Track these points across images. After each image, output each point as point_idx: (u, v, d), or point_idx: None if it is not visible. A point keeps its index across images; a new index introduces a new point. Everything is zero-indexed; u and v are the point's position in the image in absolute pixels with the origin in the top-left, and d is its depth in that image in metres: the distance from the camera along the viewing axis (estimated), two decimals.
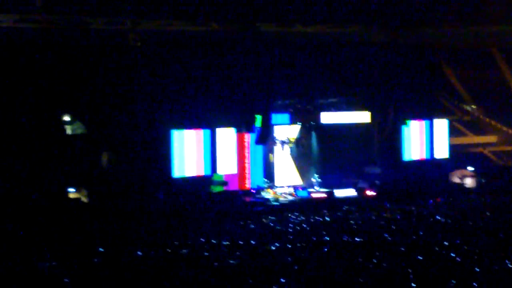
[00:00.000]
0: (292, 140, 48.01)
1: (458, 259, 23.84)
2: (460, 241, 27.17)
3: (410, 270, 22.10)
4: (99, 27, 42.60)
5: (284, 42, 46.91)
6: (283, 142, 47.49)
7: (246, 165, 44.82)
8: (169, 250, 27.08)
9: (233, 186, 43.74)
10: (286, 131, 47.92)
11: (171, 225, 34.13)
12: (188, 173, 41.61)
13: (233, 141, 43.56)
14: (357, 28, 50.68)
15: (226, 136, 43.24)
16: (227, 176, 43.45)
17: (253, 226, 34.30)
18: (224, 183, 43.17)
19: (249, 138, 44.89)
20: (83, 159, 39.48)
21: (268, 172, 46.70)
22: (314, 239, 28.72)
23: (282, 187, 46.14)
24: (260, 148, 45.84)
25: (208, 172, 42.44)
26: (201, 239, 29.36)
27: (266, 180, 46.26)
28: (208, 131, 42.47)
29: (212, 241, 28.85)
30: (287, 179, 47.65)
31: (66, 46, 40.39)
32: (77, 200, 39.24)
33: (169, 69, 41.90)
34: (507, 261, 22.81)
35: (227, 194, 42.73)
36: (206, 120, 42.43)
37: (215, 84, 42.95)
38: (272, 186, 45.95)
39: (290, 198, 44.45)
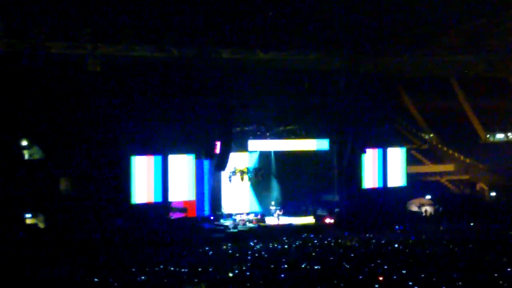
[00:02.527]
0: (251, 168, 47.98)
1: (415, 287, 23.96)
2: (417, 269, 27.31)
3: None
4: (59, 52, 42.40)
5: (245, 69, 47.02)
6: (241, 170, 47.40)
7: (205, 191, 44.69)
8: (128, 277, 26.90)
9: (192, 213, 43.58)
10: (243, 158, 47.88)
11: (129, 251, 33.87)
12: (146, 199, 41.29)
13: (192, 167, 43.30)
14: (318, 55, 50.98)
15: (185, 162, 42.97)
16: (186, 202, 43.26)
17: (212, 252, 34.18)
18: (183, 210, 42.99)
19: (208, 164, 44.78)
20: (41, 184, 39.09)
21: (217, 200, 46.50)
22: (272, 266, 28.69)
23: (241, 214, 45.99)
24: (215, 175, 45.84)
25: (166, 199, 42.11)
26: (160, 265, 29.21)
27: (223, 207, 46.28)
28: (166, 157, 42.15)
29: (170, 268, 28.72)
30: (239, 206, 47.58)
31: (25, 70, 40.09)
32: (33, 225, 38.82)
33: (128, 94, 41.75)
34: None
35: (186, 220, 42.55)
36: (164, 146, 42.19)
37: (174, 110, 42.85)
38: (230, 214, 45.82)
39: (250, 225, 44.36)
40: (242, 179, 47.19)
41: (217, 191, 46.23)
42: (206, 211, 44.82)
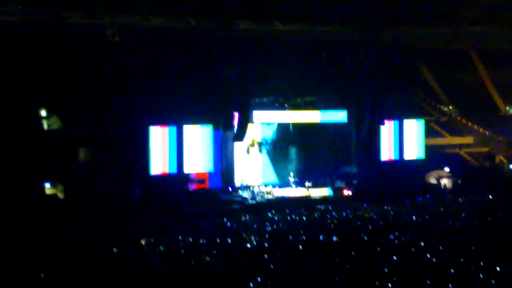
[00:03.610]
0: (269, 140, 47.93)
1: (433, 259, 23.92)
2: (436, 241, 27.25)
3: (386, 270, 22.17)
4: (76, 21, 42.31)
5: (263, 40, 46.81)
6: (259, 142, 47.36)
7: (223, 163, 44.67)
8: (146, 248, 26.98)
9: (211, 184, 43.61)
10: (262, 130, 47.82)
11: (148, 223, 33.95)
12: (162, 170, 41.31)
13: (209, 138, 43.22)
14: (336, 27, 50.68)
15: (201, 133, 42.89)
16: (202, 174, 43.27)
17: (230, 224, 34.22)
18: (201, 181, 43.05)
19: (226, 135, 44.71)
20: (60, 154, 39.18)
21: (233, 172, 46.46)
22: (291, 238, 28.70)
23: (259, 185, 45.99)
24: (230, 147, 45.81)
25: (185, 170, 42.12)
26: (178, 236, 29.26)
27: (242, 179, 46.27)
28: (181, 128, 42.07)
29: (189, 239, 28.76)
30: (257, 178, 47.57)
31: (43, 40, 39.99)
32: (53, 195, 38.98)
33: (146, 65, 41.66)
34: (481, 262, 22.93)
35: (204, 192, 42.61)
36: (182, 117, 42.14)
37: (192, 81, 42.74)
38: (248, 186, 45.81)
39: (268, 196, 44.39)
40: (260, 150, 47.17)
41: (232, 162, 46.12)
42: (223, 183, 44.80)
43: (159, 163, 41.00)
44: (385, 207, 39.57)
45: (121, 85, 40.51)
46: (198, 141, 42.52)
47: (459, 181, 49.34)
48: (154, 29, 44.86)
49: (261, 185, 45.84)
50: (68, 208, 36.72)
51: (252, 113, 44.76)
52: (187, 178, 42.46)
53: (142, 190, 39.77)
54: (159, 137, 41.09)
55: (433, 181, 49.44)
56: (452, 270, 22.07)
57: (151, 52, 42.22)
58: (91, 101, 39.67)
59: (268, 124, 47.80)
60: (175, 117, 41.72)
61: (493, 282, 20.88)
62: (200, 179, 43.03)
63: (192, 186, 42.70)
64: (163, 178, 41.00)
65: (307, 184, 45.76)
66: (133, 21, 44.22)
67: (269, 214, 37.39)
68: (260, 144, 47.22)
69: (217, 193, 43.39)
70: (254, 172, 47.53)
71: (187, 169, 42.04)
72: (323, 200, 43.81)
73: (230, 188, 45.03)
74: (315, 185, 46.14)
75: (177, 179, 41.76)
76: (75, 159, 39.78)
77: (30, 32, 40.16)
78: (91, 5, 42.87)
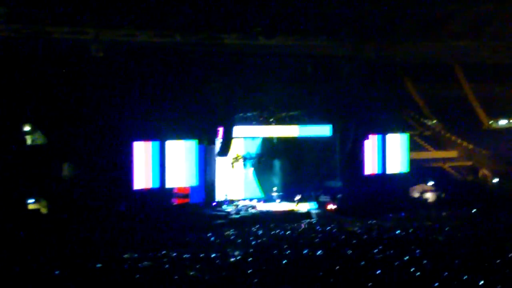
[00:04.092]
0: (253, 154, 47.98)
1: (417, 273, 23.96)
2: (420, 255, 27.31)
3: (369, 285, 22.19)
4: (61, 37, 42.28)
5: (248, 55, 46.92)
6: (243, 156, 47.42)
7: (207, 177, 44.67)
8: (130, 263, 26.91)
9: (194, 199, 43.61)
10: (246, 144, 47.88)
11: (131, 238, 33.88)
12: (149, 185, 41.31)
13: (195, 153, 43.26)
14: (320, 41, 50.84)
15: (187, 148, 42.94)
16: (189, 188, 43.28)
17: (214, 239, 34.21)
18: (185, 196, 43.04)
19: (211, 150, 44.74)
20: (43, 170, 39.11)
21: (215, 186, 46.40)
22: (275, 252, 28.70)
23: (243, 200, 46.03)
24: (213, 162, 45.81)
25: (170, 184, 42.12)
26: (162, 251, 29.22)
27: (226, 194, 46.27)
28: (169, 143, 42.17)
29: (173, 254, 28.73)
30: (241, 192, 47.60)
31: (27, 55, 39.98)
32: (36, 211, 38.86)
33: (131, 80, 41.70)
34: (465, 276, 22.98)
35: (187, 206, 42.61)
36: (167, 132, 42.19)
37: (177, 96, 42.81)
38: (232, 200, 45.84)
39: (252, 211, 44.43)
40: (244, 165, 47.23)
41: (216, 177, 46.09)
42: (207, 197, 44.79)
43: (143, 177, 40.98)
44: (370, 221, 39.66)
45: (105, 100, 40.52)
46: (182, 156, 42.52)
47: (443, 195, 49.49)
48: (139, 44, 44.89)
49: (245, 200, 45.87)
50: (52, 223, 36.57)
51: (236, 128, 44.79)
52: (170, 192, 42.42)
53: (126, 205, 39.71)
54: (142, 152, 41.07)
55: (417, 195, 49.58)
56: (436, 284, 22.11)
57: (136, 67, 42.26)
58: (75, 116, 39.65)
59: (253, 138, 47.87)
60: (159, 132, 41.72)
61: None
62: (183, 193, 43.02)
63: (175, 201, 42.67)
64: (146, 192, 40.96)
65: (296, 198, 45.83)
66: (118, 37, 44.20)
67: (253, 229, 37.41)
68: (244, 159, 47.27)
69: (200, 207, 43.38)
70: (238, 186, 47.54)
71: (170, 184, 41.99)
72: (308, 214, 43.85)
73: (213, 203, 45.03)
74: (299, 199, 46.19)
75: (160, 194, 41.73)
76: (59, 174, 39.70)
77: (14, 47, 40.13)
78: (76, 21, 42.87)
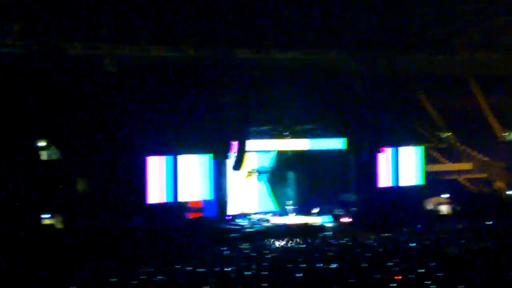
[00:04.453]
0: (268, 168, 47.98)
1: (433, 286, 23.88)
2: (436, 268, 27.23)
3: None
4: (76, 52, 42.55)
5: (261, 68, 47.03)
6: (258, 170, 47.44)
7: (221, 191, 44.63)
8: (144, 277, 26.93)
9: (209, 213, 43.60)
10: (260, 158, 47.90)
11: (146, 252, 33.93)
12: (162, 199, 41.34)
13: (210, 167, 43.29)
14: (333, 55, 50.92)
15: (201, 162, 42.98)
16: (203, 202, 43.27)
17: (228, 252, 34.20)
18: (199, 210, 43.05)
19: (225, 164, 44.74)
20: (58, 185, 39.28)
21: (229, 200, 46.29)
22: (290, 265, 28.67)
23: (258, 213, 46.03)
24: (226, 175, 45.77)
25: (183, 198, 42.13)
26: (176, 265, 29.24)
27: (241, 207, 46.28)
28: (182, 157, 42.18)
29: (187, 268, 28.75)
30: (255, 206, 47.57)
31: (42, 71, 40.24)
32: (51, 226, 39.00)
33: (145, 95, 41.86)
34: None
35: (201, 220, 42.61)
36: (181, 146, 42.24)
37: (191, 110, 42.91)
38: (246, 214, 45.83)
39: (266, 224, 44.42)
40: (258, 179, 47.24)
41: (228, 191, 46.03)
42: (221, 211, 44.76)
43: (156, 192, 41.04)
44: (384, 234, 39.59)
45: (119, 115, 40.68)
46: (195, 170, 42.57)
47: (458, 208, 49.31)
48: (153, 59, 45.13)
49: (259, 213, 45.87)
50: (67, 238, 36.65)
51: (250, 141, 44.80)
52: (184, 207, 42.43)
53: (140, 219, 39.77)
54: (156, 167, 41.16)
55: (432, 207, 49.42)
56: None
57: (150, 82, 42.43)
58: (89, 131, 39.81)
59: (267, 152, 47.87)
60: (173, 147, 41.78)
61: None
62: (197, 207, 43.02)
63: (189, 215, 42.66)
64: (160, 206, 41.01)
65: (314, 210, 45.85)
66: (131, 51, 44.49)
67: (267, 242, 37.41)
68: (258, 173, 47.28)
69: (214, 221, 43.36)
70: (252, 200, 47.51)
71: (183, 198, 42.01)
72: (322, 227, 43.80)
73: (227, 217, 45.05)
74: (315, 212, 46.18)
75: (174, 208, 41.75)
76: (74, 190, 39.86)
77: (30, 63, 40.43)
78: (90, 36, 43.16)
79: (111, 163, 39.75)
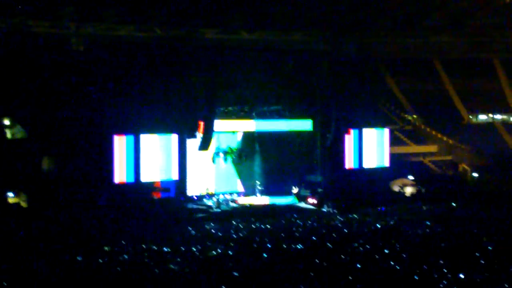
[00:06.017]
0: (234, 149, 47.91)
1: (397, 266, 24.07)
2: (400, 249, 27.44)
3: (350, 278, 22.28)
4: (42, 31, 42.17)
5: (229, 49, 46.89)
6: (224, 150, 47.37)
7: (188, 171, 44.49)
8: (110, 256, 26.88)
9: (175, 193, 43.48)
10: (227, 138, 47.83)
11: (112, 231, 33.81)
12: (129, 179, 41.10)
13: (175, 147, 43.09)
14: (301, 37, 50.93)
15: (167, 142, 42.73)
16: (169, 182, 43.10)
17: (194, 232, 34.21)
18: (166, 190, 42.90)
19: (191, 144, 44.59)
20: (23, 164, 38.95)
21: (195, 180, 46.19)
22: (255, 246, 28.75)
23: (223, 193, 46.03)
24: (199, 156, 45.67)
25: (146, 179, 41.87)
26: (142, 245, 29.20)
27: (207, 187, 46.23)
28: (144, 137, 41.84)
29: (153, 247, 28.72)
30: (222, 186, 47.55)
31: (7, 49, 39.83)
32: (16, 204, 38.73)
33: (112, 74, 41.54)
34: (444, 270, 23.11)
35: (168, 200, 42.48)
36: (147, 126, 41.94)
37: (158, 90, 42.66)
38: (213, 194, 45.80)
39: (233, 205, 44.47)
40: (225, 159, 47.17)
41: (194, 172, 45.98)
42: (188, 192, 44.67)
43: (122, 171, 40.78)
44: (350, 215, 39.76)
45: (85, 94, 40.37)
46: (161, 150, 42.35)
47: (423, 189, 49.66)
48: (119, 38, 44.85)
49: (226, 194, 45.86)
50: (32, 217, 36.44)
51: (217, 122, 44.69)
52: (151, 186, 42.26)
53: (106, 198, 39.57)
54: (123, 146, 40.88)
55: (397, 189, 49.73)
56: (416, 277, 22.25)
57: (116, 61, 42.08)
58: (54, 110, 39.47)
59: (233, 133, 47.80)
60: (139, 126, 41.48)
61: None
62: (164, 187, 42.85)
63: (157, 195, 42.52)
64: (127, 186, 40.79)
65: (294, 191, 45.97)
66: (98, 31, 44.18)
67: (234, 222, 37.44)
68: (225, 153, 47.20)
69: (181, 201, 43.27)
70: (219, 180, 47.46)
71: (149, 178, 41.78)
72: (288, 208, 43.91)
73: (195, 197, 45.01)
74: (280, 193, 46.26)
75: (140, 188, 41.56)
76: (39, 168, 39.55)
77: None
78: (57, 15, 42.77)
79: (76, 142, 39.46)
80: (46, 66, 39.83)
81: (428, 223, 35.40)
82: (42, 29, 42.32)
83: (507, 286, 21.30)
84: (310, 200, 45.71)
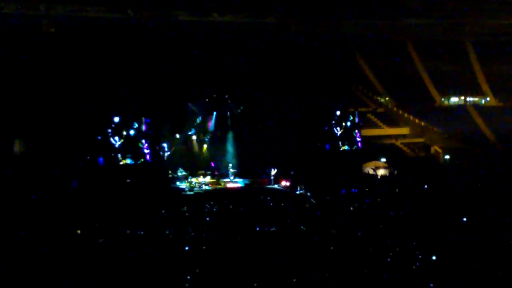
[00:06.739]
0: (209, 131, 47.84)
1: (370, 249, 24.14)
2: (373, 231, 27.52)
3: (324, 260, 22.31)
4: (11, 12, 41.75)
5: (201, 31, 46.75)
6: (200, 132, 47.24)
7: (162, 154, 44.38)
8: (85, 239, 26.77)
9: (149, 176, 43.33)
10: (202, 120, 47.67)
11: (85, 214, 33.57)
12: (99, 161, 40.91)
13: (148, 129, 42.91)
14: (274, 18, 50.80)
15: (141, 124, 42.56)
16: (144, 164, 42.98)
17: (167, 215, 34.06)
18: (141, 172, 42.77)
19: (165, 126, 44.43)
20: None
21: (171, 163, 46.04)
22: (230, 228, 28.71)
23: (198, 176, 45.88)
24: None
25: (122, 160, 41.75)
26: (116, 228, 29.07)
27: (181, 169, 46.04)
28: (122, 119, 41.63)
29: (126, 230, 28.59)
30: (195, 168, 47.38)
31: None
32: None
33: (82, 55, 41.31)
34: (417, 252, 23.22)
35: (142, 183, 42.31)
36: (119, 108, 41.70)
37: (130, 72, 42.48)
38: (186, 177, 45.63)
39: (206, 187, 44.35)
40: (200, 140, 47.06)
41: (171, 153, 45.86)
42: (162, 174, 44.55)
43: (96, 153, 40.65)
44: (323, 197, 39.79)
45: (57, 76, 40.11)
46: (136, 132, 42.20)
47: (395, 172, 49.78)
48: (91, 19, 44.50)
49: (199, 177, 45.69)
50: (3, 200, 36.11)
51: (191, 104, 44.58)
52: (124, 169, 42.11)
53: (81, 182, 39.31)
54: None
55: (370, 171, 49.79)
56: (388, 259, 22.33)
57: (87, 43, 41.84)
58: (26, 92, 39.19)
59: (208, 115, 47.66)
60: (116, 109, 41.31)
61: (428, 271, 21.17)
62: (139, 170, 42.69)
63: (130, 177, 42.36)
64: (101, 169, 40.63)
65: (272, 172, 45.83)
66: (69, 12, 43.78)
67: (207, 205, 37.33)
68: (198, 136, 47.09)
69: (154, 184, 43.09)
70: (192, 163, 47.30)
71: (122, 160, 41.65)
72: (261, 191, 43.85)
73: (168, 180, 44.85)
74: (254, 176, 46.21)
75: (113, 170, 41.40)
76: (11, 151, 39.24)
77: None
78: None
79: (47, 124, 39.19)
80: (16, 47, 39.53)
81: (400, 204, 35.53)
82: (12, 10, 41.87)
83: (477, 265, 21.47)
84: (283, 183, 45.68)
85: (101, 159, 41.13)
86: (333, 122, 49.01)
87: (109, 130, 41.20)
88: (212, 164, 47.28)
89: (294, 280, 20.46)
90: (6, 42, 38.97)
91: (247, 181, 45.40)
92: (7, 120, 39.21)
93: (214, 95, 46.56)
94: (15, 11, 42.11)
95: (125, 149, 41.82)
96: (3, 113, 39.47)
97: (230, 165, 47.00)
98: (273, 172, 46.15)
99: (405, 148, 59.13)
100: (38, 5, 42.81)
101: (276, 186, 45.60)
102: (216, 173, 46.68)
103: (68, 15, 43.94)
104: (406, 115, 62.56)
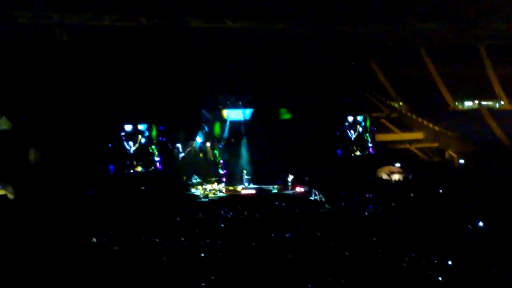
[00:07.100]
0: (222, 137, 47.86)
1: (386, 254, 24.10)
2: (388, 236, 27.46)
3: (339, 265, 22.28)
4: (25, 21, 41.93)
5: (214, 38, 46.80)
6: (214, 139, 47.29)
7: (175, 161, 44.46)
8: (100, 246, 26.82)
9: (163, 183, 43.38)
10: (216, 127, 47.73)
11: (101, 221, 33.66)
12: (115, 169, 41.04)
13: (160, 137, 42.99)
14: (287, 24, 50.83)
15: (155, 131, 42.66)
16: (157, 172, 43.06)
17: (183, 222, 34.10)
18: (156, 180, 42.82)
19: (178, 133, 44.52)
20: (10, 155, 38.75)
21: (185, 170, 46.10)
22: (244, 234, 28.71)
23: (212, 183, 45.91)
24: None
25: (137, 168, 41.84)
26: (131, 235, 29.12)
27: (195, 176, 46.07)
28: (128, 127, 41.69)
29: (142, 237, 28.64)
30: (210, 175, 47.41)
31: None
32: (2, 196, 38.52)
33: (97, 64, 41.41)
34: (432, 257, 23.15)
35: (157, 190, 42.37)
36: (133, 116, 41.83)
37: (144, 80, 42.55)
38: (200, 184, 45.64)
39: (220, 194, 44.36)
40: (213, 147, 47.10)
41: (185, 160, 45.92)
42: (175, 181, 44.59)
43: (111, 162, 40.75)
44: (338, 202, 39.76)
45: (72, 85, 40.24)
46: (150, 139, 42.28)
47: (410, 176, 49.68)
48: (104, 28, 44.64)
49: (214, 183, 45.70)
50: (19, 209, 36.25)
51: (204, 111, 44.67)
52: (138, 176, 42.20)
53: (95, 190, 39.41)
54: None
55: (384, 176, 49.72)
56: (404, 265, 22.28)
57: (100, 51, 41.95)
58: (40, 102, 39.32)
59: (221, 122, 47.72)
60: (125, 117, 41.43)
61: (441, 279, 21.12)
62: (155, 177, 42.76)
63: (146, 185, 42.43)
64: (115, 177, 40.73)
65: (289, 178, 45.75)
66: (82, 21, 43.92)
67: (222, 212, 37.36)
68: (212, 141, 47.14)
69: (168, 191, 43.14)
70: (205, 170, 47.34)
71: (136, 168, 41.73)
72: (276, 196, 43.83)
73: (182, 187, 44.89)
74: (268, 182, 46.20)
75: (128, 178, 41.50)
76: (25, 160, 39.38)
77: None
78: (40, 5, 42.52)
79: (62, 134, 39.32)
80: (31, 57, 39.66)
81: (415, 210, 35.46)
82: (26, 19, 42.04)
83: (494, 271, 21.38)
84: (298, 188, 45.66)
85: (114, 166, 41.15)
86: (346, 127, 48.95)
87: (123, 138, 41.26)
88: (225, 171, 47.34)
89: (310, 286, 20.44)
90: (20, 51, 39.08)
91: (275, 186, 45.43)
92: (22, 130, 39.34)
93: (228, 102, 46.65)
94: (28, 20, 42.25)
95: (138, 157, 41.85)
96: (18, 122, 39.61)
97: (245, 171, 47.02)
98: (290, 178, 46.16)
99: (419, 153, 59.05)
100: (51, 14, 42.92)
101: (290, 191, 45.62)
102: (227, 179, 46.76)
103: (81, 24, 44.05)
104: (420, 119, 62.48)
